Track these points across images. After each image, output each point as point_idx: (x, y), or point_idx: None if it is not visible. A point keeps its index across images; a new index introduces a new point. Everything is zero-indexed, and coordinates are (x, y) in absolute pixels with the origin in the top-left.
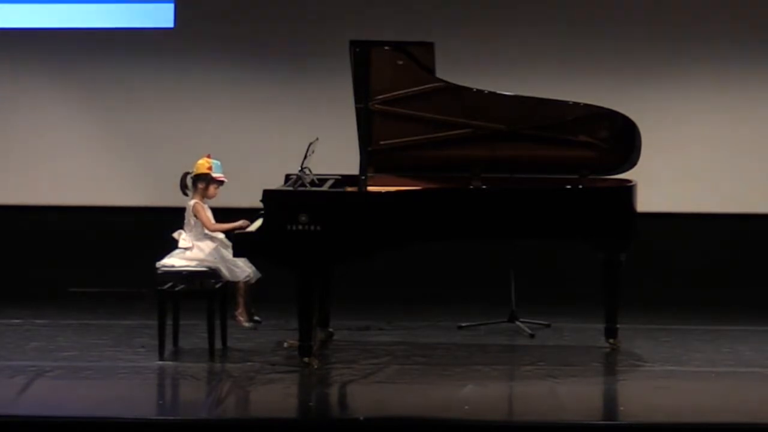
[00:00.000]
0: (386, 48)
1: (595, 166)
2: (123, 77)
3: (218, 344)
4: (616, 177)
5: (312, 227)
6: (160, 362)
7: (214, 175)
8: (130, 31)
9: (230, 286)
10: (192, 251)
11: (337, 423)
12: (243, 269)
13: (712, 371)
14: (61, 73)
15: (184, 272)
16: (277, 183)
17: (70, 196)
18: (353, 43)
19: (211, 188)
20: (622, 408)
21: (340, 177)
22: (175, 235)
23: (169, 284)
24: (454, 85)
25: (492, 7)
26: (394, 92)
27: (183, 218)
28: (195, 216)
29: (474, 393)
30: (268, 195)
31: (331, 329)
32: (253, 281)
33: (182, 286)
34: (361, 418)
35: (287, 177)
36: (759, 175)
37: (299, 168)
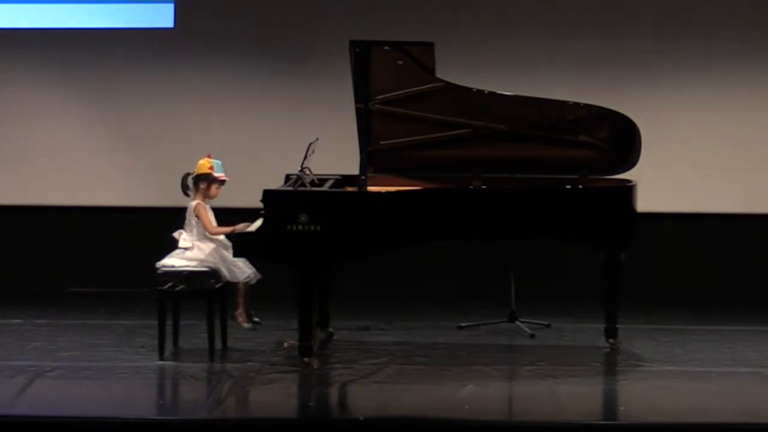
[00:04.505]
0: (386, 48)
1: (595, 166)
2: (123, 77)
3: (218, 344)
4: (616, 177)
5: (312, 227)
6: (160, 362)
7: (216, 174)
8: (130, 31)
9: (230, 287)
10: (192, 251)
11: (337, 423)
12: (243, 270)
13: (712, 371)
14: (61, 73)
15: (184, 272)
16: (277, 183)
17: (70, 196)
18: (353, 43)
19: (213, 188)
20: (622, 408)
21: (340, 177)
22: (176, 234)
23: (169, 284)
24: (454, 85)
25: (492, 7)
26: (394, 92)
27: (183, 218)
28: (197, 217)
29: (474, 393)
30: (268, 195)
31: (331, 329)
32: (253, 282)
33: (182, 286)
34: (361, 418)
35: (287, 177)
36: (759, 175)
37: (299, 168)
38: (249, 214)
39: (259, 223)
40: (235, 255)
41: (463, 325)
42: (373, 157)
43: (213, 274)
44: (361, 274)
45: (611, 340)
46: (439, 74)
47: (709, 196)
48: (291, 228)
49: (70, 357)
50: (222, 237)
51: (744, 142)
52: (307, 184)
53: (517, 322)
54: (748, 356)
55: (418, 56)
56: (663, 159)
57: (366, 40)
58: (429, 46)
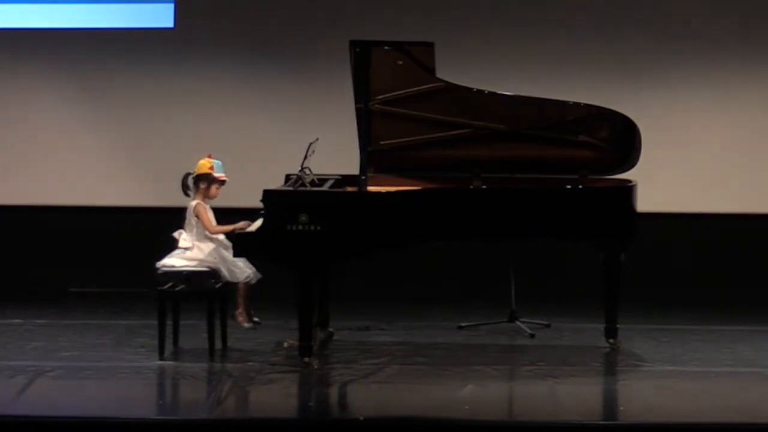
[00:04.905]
0: (386, 48)
1: (595, 166)
2: (123, 77)
3: (218, 344)
4: (616, 177)
5: (312, 227)
6: (160, 362)
7: (216, 174)
8: (130, 31)
9: (230, 287)
10: (192, 251)
11: (337, 423)
12: (243, 270)
13: (712, 371)
14: (61, 73)
15: (184, 272)
16: (277, 183)
17: (70, 196)
18: (353, 43)
19: (213, 188)
20: (622, 408)
21: (340, 177)
22: (176, 234)
23: (169, 284)
24: (454, 85)
25: (492, 7)
26: (394, 92)
27: (183, 218)
28: (196, 217)
29: (474, 393)
30: (268, 195)
31: (331, 329)
32: (253, 282)
33: (182, 286)
34: (361, 418)
35: (287, 177)
36: (759, 175)
37: (299, 168)
38: (249, 214)
39: (259, 223)
40: (235, 255)
41: (463, 325)
42: (373, 157)
43: (213, 274)
44: (361, 274)
45: (611, 340)
46: (439, 74)
47: (709, 196)
48: (291, 228)
49: (70, 357)
50: (222, 237)
51: (744, 141)
52: (307, 184)
53: (517, 322)
54: (748, 356)
55: (418, 56)
56: (663, 159)
57: (366, 40)
58: (429, 46)
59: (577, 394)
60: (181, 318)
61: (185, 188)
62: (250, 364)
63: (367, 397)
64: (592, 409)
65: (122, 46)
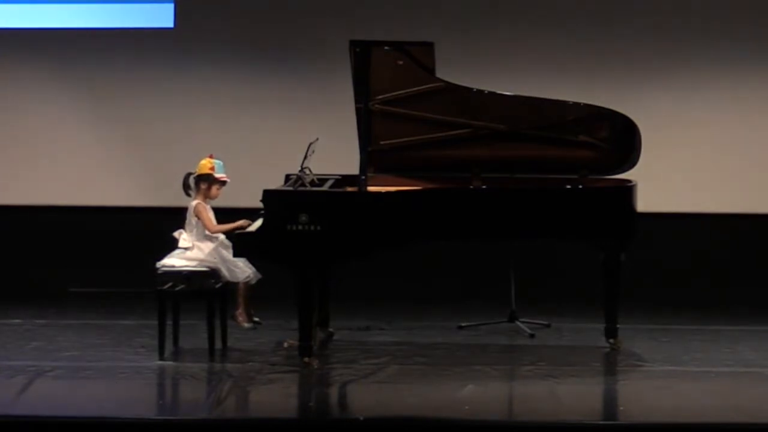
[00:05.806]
0: (386, 48)
1: (595, 166)
2: (123, 77)
3: (218, 344)
4: (616, 177)
5: (312, 227)
6: (160, 362)
7: (217, 175)
8: (130, 31)
9: (230, 287)
10: (192, 251)
11: (337, 423)
12: (243, 270)
13: (712, 371)
14: (61, 73)
15: (184, 272)
16: (277, 183)
17: (70, 196)
18: (353, 43)
19: (214, 188)
20: (622, 408)
21: (340, 177)
22: (176, 234)
23: (169, 284)
24: (454, 85)
25: (492, 7)
26: (394, 92)
27: (184, 218)
28: (197, 216)
29: (474, 393)
30: (268, 195)
31: (331, 329)
32: (253, 282)
33: (182, 286)
34: (361, 418)
35: (287, 177)
36: (758, 175)
37: (299, 168)
38: (249, 214)
39: (259, 223)
40: (235, 255)
41: (463, 325)
42: (373, 157)
43: (213, 274)
44: (361, 274)
45: (611, 340)
46: (439, 74)
47: (709, 197)
48: (291, 228)
49: (70, 357)
50: (222, 237)
51: (744, 142)
52: (307, 184)
53: (517, 322)
54: (748, 356)
55: (418, 56)
56: (663, 159)
57: (366, 40)
58: (429, 46)
59: (577, 394)
60: (181, 318)
61: (186, 188)
62: (250, 364)
63: (367, 397)
64: (592, 409)
65: (122, 46)
